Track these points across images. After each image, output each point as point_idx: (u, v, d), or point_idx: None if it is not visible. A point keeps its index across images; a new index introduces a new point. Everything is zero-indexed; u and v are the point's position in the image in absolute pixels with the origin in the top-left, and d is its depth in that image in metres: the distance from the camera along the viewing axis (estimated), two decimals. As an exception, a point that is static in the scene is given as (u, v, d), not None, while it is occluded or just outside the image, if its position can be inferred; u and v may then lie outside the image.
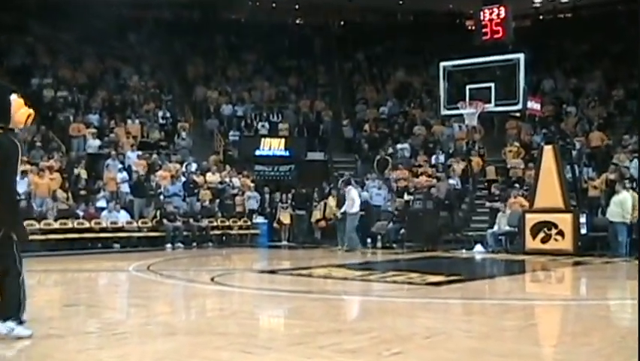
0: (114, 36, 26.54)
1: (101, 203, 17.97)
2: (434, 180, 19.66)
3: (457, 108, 16.59)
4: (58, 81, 23.70)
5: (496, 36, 16.12)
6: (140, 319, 6.94)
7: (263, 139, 23.11)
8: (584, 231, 15.36)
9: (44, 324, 5.84)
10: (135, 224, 17.81)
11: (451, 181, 19.63)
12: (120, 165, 19.43)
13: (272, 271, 12.53)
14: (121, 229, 17.39)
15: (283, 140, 23.15)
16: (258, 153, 22.84)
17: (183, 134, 22.98)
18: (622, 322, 6.67)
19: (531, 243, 15.30)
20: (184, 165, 20.67)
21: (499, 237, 16.57)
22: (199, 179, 20.11)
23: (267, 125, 24.34)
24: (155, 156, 20.77)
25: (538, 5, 29.75)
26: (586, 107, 23.26)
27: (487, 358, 4.89)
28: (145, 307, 7.81)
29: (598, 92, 23.98)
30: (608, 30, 24.97)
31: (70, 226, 16.46)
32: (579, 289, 10.91)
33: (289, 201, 20.53)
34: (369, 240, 18.08)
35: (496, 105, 16.15)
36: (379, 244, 18.00)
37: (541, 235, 15.17)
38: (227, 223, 19.48)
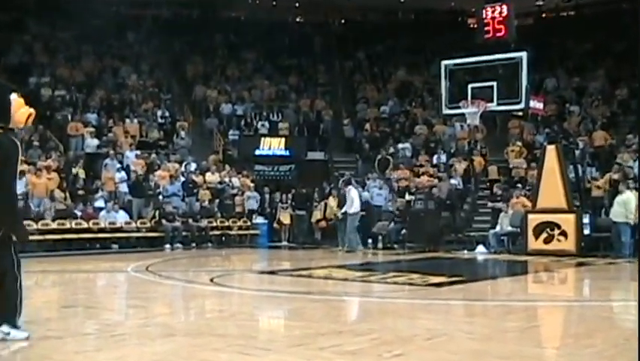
0: (112, 35, 26.52)
1: (99, 203, 17.90)
2: (436, 180, 19.60)
3: (459, 107, 16.52)
4: (56, 80, 23.61)
5: (498, 34, 16.00)
6: (139, 320, 6.91)
7: (263, 138, 23.05)
8: (587, 231, 15.29)
9: (42, 325, 5.87)
10: (134, 224, 17.75)
11: (452, 181, 19.58)
12: (118, 165, 19.38)
13: (272, 272, 12.56)
14: (119, 230, 17.33)
15: (283, 139, 23.08)
16: (257, 152, 22.78)
17: (182, 133, 22.89)
18: (625, 323, 6.60)
19: (533, 243, 15.26)
20: (183, 165, 20.61)
21: (502, 237, 16.51)
22: (198, 179, 20.04)
23: (266, 124, 24.27)
24: (153, 155, 20.73)
25: (540, 3, 29.66)
26: (589, 107, 23.20)
27: (488, 360, 4.88)
28: (144, 309, 7.79)
29: (601, 91, 23.91)
30: (611, 28, 24.81)
31: (68, 226, 16.40)
32: (582, 291, 10.90)
33: (289, 202, 20.46)
34: (370, 240, 18.03)
35: (499, 104, 16.07)
36: (380, 245, 17.93)
37: (544, 235, 15.13)
38: (226, 224, 19.40)
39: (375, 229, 18.10)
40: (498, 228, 16.62)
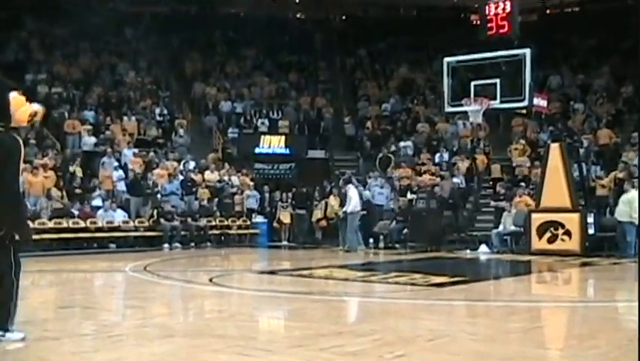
0: (110, 31, 26.40)
1: (97, 202, 17.80)
2: (438, 179, 19.50)
3: (462, 105, 16.50)
4: (53, 77, 23.49)
5: (501, 31, 15.97)
6: (137, 320, 6.87)
7: (262, 136, 23.00)
8: (591, 231, 15.20)
9: (39, 326, 5.89)
10: (132, 223, 17.66)
11: (455, 180, 19.53)
12: (116, 163, 19.30)
13: (272, 272, 12.56)
14: (117, 229, 17.23)
15: (283, 137, 23.03)
16: (257, 150, 22.74)
17: (181, 131, 22.80)
18: (630, 324, 6.50)
19: (537, 243, 15.17)
20: (182, 163, 20.50)
21: (505, 237, 16.44)
22: (197, 177, 19.95)
23: (266, 122, 24.20)
24: (152, 153, 20.64)
25: (544, -1, 29.56)
26: (594, 104, 23.12)
27: (491, 361, 4.83)
28: (142, 309, 7.74)
29: (606, 89, 23.83)
30: (616, 25, 24.63)
31: (65, 225, 16.29)
32: (586, 291, 10.88)
33: (289, 201, 20.38)
34: (371, 240, 17.95)
35: (502, 102, 16.03)
36: (382, 244, 17.86)
37: (548, 235, 15.04)
38: (225, 223, 19.30)
39: (377, 228, 18.02)
40: (501, 227, 16.56)
